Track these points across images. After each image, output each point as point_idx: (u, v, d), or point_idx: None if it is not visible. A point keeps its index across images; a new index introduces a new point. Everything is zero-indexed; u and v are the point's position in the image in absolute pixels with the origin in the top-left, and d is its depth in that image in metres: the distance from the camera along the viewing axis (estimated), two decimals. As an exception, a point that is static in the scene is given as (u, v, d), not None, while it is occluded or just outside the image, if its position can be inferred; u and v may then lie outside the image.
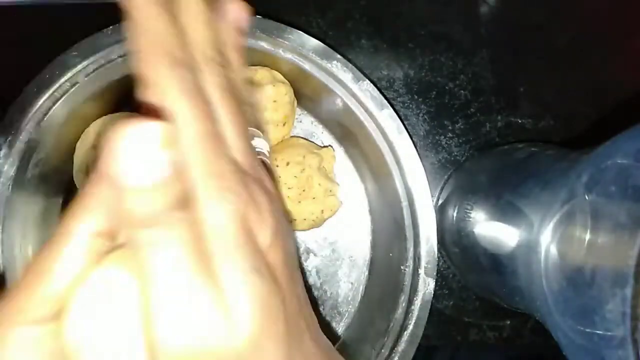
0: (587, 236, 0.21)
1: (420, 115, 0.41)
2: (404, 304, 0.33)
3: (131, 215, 0.14)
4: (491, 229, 0.31)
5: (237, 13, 0.21)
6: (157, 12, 0.17)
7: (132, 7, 0.17)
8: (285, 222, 0.20)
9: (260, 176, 0.18)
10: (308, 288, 0.39)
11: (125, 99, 0.36)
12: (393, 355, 0.32)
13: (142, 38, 0.17)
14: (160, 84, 0.16)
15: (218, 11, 0.20)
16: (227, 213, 0.15)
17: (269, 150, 0.26)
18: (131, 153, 0.13)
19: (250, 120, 0.20)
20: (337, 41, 0.40)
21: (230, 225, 0.15)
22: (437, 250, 0.32)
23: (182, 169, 0.15)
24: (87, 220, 0.16)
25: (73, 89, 0.31)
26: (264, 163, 0.26)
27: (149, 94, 0.16)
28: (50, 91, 0.31)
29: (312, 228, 0.37)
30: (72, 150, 0.35)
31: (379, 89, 0.33)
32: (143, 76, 0.16)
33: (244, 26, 0.21)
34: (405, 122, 0.40)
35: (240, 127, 0.18)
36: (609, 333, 0.18)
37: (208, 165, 0.16)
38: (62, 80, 0.31)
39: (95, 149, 0.34)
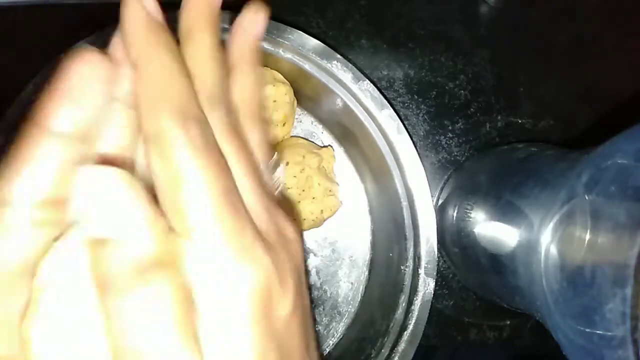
0: (587, 236, 0.21)
1: (420, 115, 0.41)
2: (404, 304, 0.33)
3: (109, 272, 0.13)
4: (491, 229, 0.31)
5: (252, 18, 0.20)
6: (170, 62, 0.15)
7: (139, 59, 0.15)
8: (303, 268, 0.18)
9: (283, 230, 0.17)
10: (308, 288, 0.39)
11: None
12: (393, 355, 0.32)
13: (149, 90, 0.15)
14: (169, 145, 0.14)
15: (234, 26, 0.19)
16: (249, 287, 0.14)
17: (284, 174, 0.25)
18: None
19: (266, 144, 0.19)
20: (337, 41, 0.40)
21: (249, 305, 0.14)
22: (437, 250, 0.32)
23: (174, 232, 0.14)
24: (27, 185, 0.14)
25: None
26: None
27: (154, 153, 0.14)
28: (50, 91, 0.31)
29: (312, 228, 0.37)
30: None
31: (379, 89, 0.33)
32: (147, 132, 0.15)
33: (260, 30, 0.20)
34: (405, 122, 0.40)
35: (255, 178, 0.16)
36: (609, 333, 0.18)
37: (229, 236, 0.14)
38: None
39: None
